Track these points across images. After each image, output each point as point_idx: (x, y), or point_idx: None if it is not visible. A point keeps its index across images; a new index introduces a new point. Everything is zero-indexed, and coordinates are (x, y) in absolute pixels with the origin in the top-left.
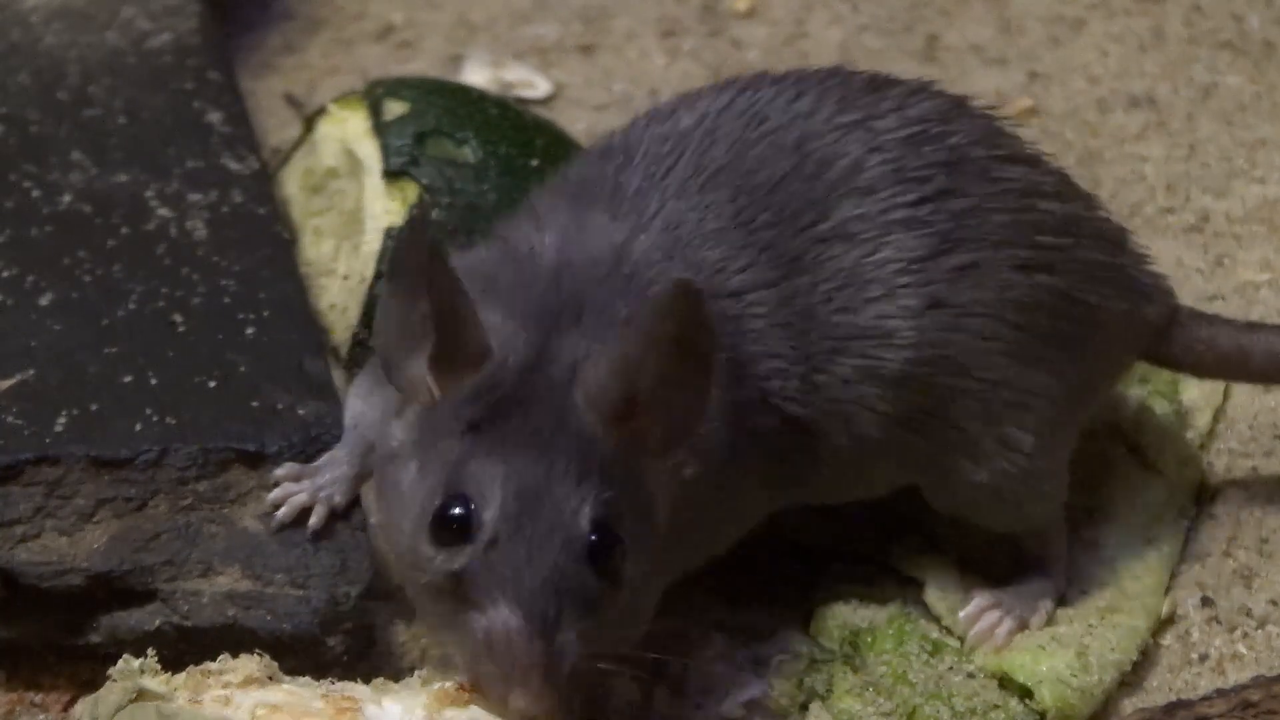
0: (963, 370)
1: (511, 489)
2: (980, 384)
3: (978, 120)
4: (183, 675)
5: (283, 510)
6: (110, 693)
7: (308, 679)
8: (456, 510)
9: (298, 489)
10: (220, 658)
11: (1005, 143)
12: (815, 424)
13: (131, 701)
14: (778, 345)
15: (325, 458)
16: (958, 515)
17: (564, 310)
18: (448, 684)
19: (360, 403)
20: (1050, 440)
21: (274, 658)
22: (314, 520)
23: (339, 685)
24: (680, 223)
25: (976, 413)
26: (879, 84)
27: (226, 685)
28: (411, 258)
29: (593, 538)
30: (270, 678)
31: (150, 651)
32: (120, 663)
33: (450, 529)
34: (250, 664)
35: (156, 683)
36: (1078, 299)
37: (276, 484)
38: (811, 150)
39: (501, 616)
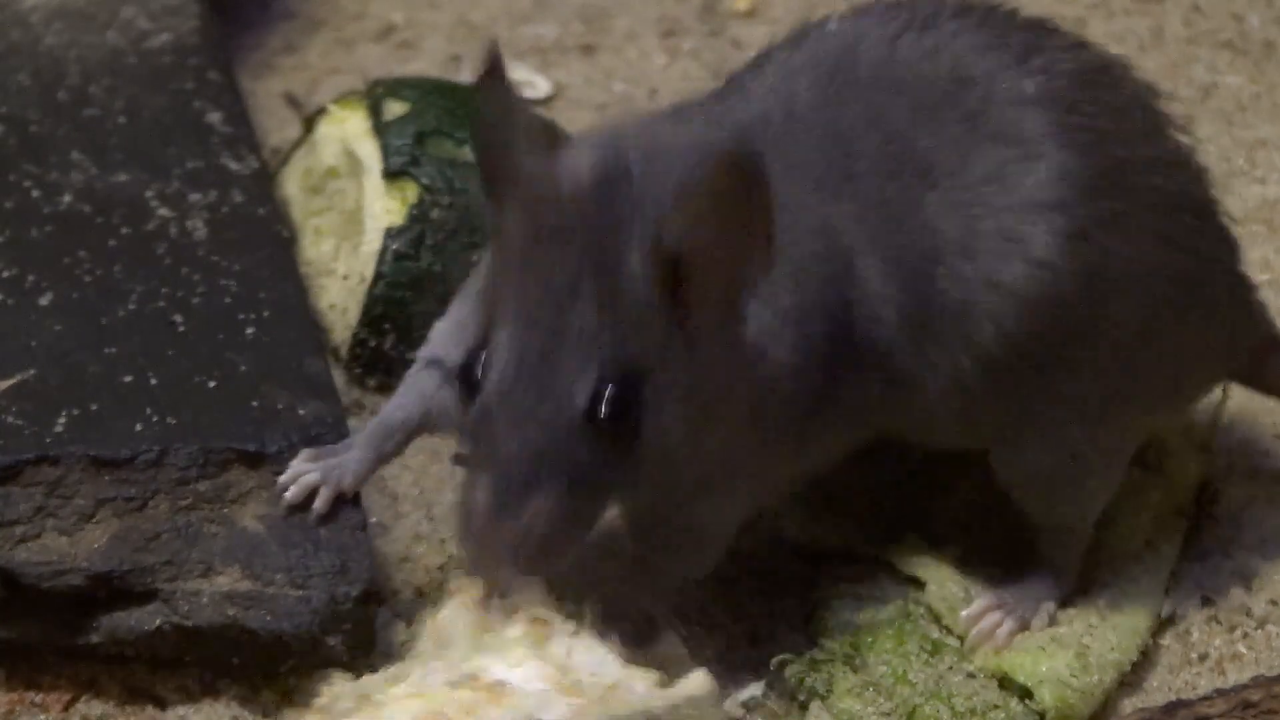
0: (1078, 335)
1: (517, 348)
2: (1089, 355)
3: (1142, 83)
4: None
5: (291, 490)
6: None
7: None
8: (470, 368)
9: (310, 468)
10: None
11: (1163, 111)
12: (921, 343)
13: None
14: (881, 251)
15: (342, 444)
16: (1010, 491)
17: (640, 175)
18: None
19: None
20: (1120, 441)
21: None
22: (318, 504)
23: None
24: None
25: (1076, 382)
26: (1043, 28)
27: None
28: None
29: (602, 392)
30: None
31: None
32: None
33: (467, 385)
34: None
35: None
36: (1200, 290)
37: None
38: (969, 70)
39: (473, 488)
